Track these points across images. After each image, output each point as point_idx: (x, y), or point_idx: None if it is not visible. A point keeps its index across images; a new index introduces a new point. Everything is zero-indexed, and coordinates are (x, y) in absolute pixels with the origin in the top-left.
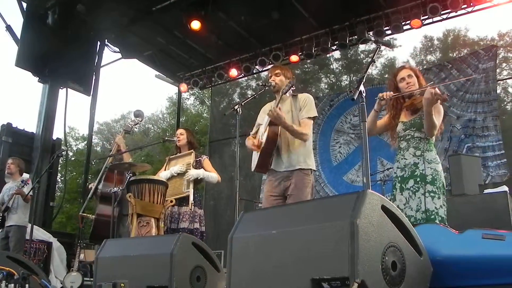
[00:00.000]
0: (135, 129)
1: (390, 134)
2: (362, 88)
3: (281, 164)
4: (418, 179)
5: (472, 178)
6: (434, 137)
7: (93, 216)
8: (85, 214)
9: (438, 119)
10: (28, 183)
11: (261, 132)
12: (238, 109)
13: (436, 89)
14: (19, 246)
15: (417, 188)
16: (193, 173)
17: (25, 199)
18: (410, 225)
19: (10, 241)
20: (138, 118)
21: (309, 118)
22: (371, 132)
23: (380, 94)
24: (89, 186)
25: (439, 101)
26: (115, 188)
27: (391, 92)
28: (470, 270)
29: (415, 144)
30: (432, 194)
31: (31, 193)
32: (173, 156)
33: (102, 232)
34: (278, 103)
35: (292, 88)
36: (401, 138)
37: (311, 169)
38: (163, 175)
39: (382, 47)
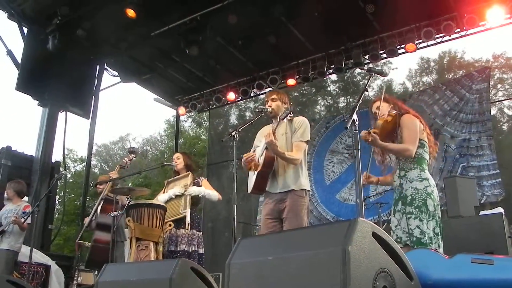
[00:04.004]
0: (129, 164)
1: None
2: (355, 117)
3: (276, 186)
4: (403, 200)
5: (467, 200)
6: (419, 154)
7: (89, 244)
8: (81, 242)
9: (409, 135)
10: (28, 214)
11: (258, 154)
12: (235, 135)
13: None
14: (7, 270)
15: (403, 209)
16: (195, 189)
17: (22, 228)
18: (401, 250)
19: None
20: (132, 155)
21: (302, 141)
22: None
23: (364, 182)
24: (85, 221)
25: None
26: (115, 213)
27: (365, 173)
28: None
29: (401, 164)
30: (409, 215)
31: (29, 220)
32: (171, 179)
33: (98, 258)
34: (276, 128)
35: (290, 114)
36: (394, 163)
37: (305, 189)
38: (161, 198)
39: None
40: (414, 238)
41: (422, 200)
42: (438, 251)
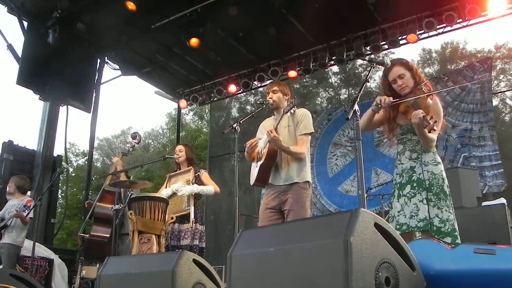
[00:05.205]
0: (132, 150)
1: (388, 127)
2: (356, 107)
3: (279, 178)
4: (414, 185)
5: (469, 190)
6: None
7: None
8: (83, 234)
9: (438, 124)
10: (30, 208)
11: (261, 147)
12: (236, 128)
13: (421, 113)
14: (9, 263)
15: (413, 194)
16: (187, 189)
17: (23, 222)
18: (403, 241)
19: (1, 258)
20: (134, 140)
21: (306, 134)
22: (367, 129)
23: (378, 99)
24: (86, 206)
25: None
26: (117, 206)
27: (390, 98)
28: (462, 285)
29: (412, 146)
30: (428, 201)
31: (31, 215)
32: (173, 173)
33: (95, 251)
34: (278, 122)
35: (294, 107)
36: (398, 141)
37: (308, 181)
38: (164, 192)
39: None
40: (435, 228)
41: (440, 186)
42: (440, 241)
